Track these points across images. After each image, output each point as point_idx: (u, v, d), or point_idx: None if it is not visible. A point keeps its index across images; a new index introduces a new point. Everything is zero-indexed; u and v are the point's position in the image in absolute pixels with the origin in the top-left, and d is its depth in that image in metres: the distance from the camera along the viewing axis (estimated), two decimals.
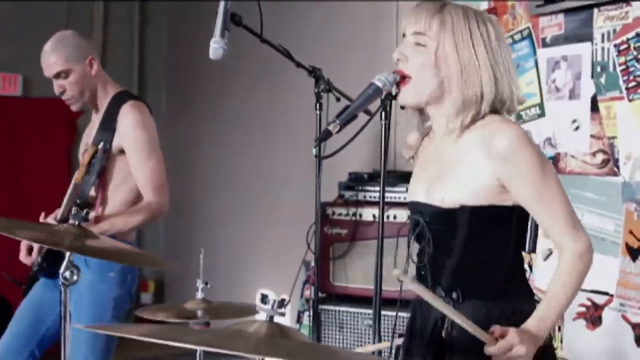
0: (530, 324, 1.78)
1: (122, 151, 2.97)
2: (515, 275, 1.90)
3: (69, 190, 2.87)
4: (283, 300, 1.45)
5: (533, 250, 1.92)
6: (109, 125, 2.98)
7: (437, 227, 1.88)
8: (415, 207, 1.95)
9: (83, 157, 2.91)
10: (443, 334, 1.85)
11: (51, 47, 2.99)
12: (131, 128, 2.95)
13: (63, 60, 2.97)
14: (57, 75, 2.98)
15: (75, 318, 2.61)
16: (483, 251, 1.85)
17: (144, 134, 2.97)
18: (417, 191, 1.94)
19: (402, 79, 1.88)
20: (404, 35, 1.90)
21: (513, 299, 1.85)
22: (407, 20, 1.88)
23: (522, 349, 1.71)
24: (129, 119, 2.96)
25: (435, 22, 1.82)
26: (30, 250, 3.05)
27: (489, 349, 1.72)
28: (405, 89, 1.88)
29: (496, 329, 1.74)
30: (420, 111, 1.97)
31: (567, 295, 1.83)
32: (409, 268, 1.97)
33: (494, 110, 1.86)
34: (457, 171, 1.84)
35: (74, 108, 3.10)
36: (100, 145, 2.79)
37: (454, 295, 1.85)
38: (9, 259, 3.15)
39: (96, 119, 3.09)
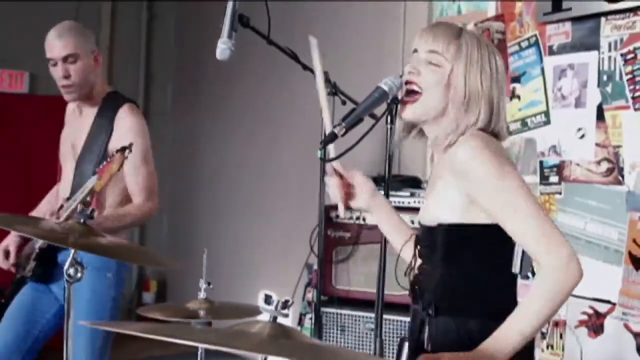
0: (484, 344, 1.71)
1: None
2: (493, 294, 1.86)
3: (83, 194, 2.77)
4: (287, 301, 1.45)
5: (523, 273, 1.84)
6: (104, 126, 2.98)
7: (424, 243, 1.95)
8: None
9: (109, 165, 2.71)
10: (425, 340, 1.87)
11: (61, 31, 2.95)
12: (130, 132, 2.94)
13: (73, 45, 2.93)
14: (65, 59, 2.93)
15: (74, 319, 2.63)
16: (459, 269, 1.86)
17: (141, 140, 2.97)
18: (422, 206, 2.03)
19: (410, 93, 1.90)
20: (415, 51, 1.92)
21: (487, 318, 1.80)
22: (424, 39, 1.91)
23: None
24: (128, 122, 2.97)
25: (452, 46, 1.86)
26: (7, 255, 3.06)
27: None
28: (412, 104, 1.90)
29: (422, 356, 1.72)
30: (414, 126, 1.99)
31: (532, 315, 1.72)
32: (411, 276, 2.03)
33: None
34: (436, 189, 1.89)
35: (69, 97, 3.02)
36: (127, 153, 2.69)
37: (430, 310, 1.87)
38: None
39: (86, 115, 3.06)
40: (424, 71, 1.88)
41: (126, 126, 2.97)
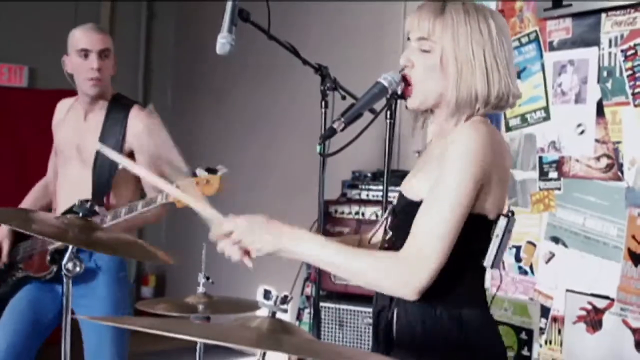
0: (289, 227, 1.73)
1: (130, 154, 2.97)
2: (461, 284, 1.77)
3: (145, 208, 2.78)
4: (286, 296, 1.45)
5: (493, 266, 1.77)
6: (116, 127, 2.98)
7: (400, 216, 1.85)
8: (398, 197, 1.93)
9: (203, 187, 2.69)
10: (393, 328, 1.80)
11: (97, 26, 3.05)
12: (145, 133, 2.97)
13: (109, 41, 3.03)
14: (101, 52, 2.97)
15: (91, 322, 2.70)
16: None
17: (163, 132, 2.99)
18: (403, 182, 1.94)
19: (407, 86, 1.87)
20: (409, 39, 1.90)
21: (453, 307, 1.75)
22: (411, 24, 1.86)
23: (242, 221, 1.73)
24: (142, 124, 2.98)
25: (437, 26, 1.80)
26: None
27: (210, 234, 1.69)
28: (412, 94, 1.88)
29: (230, 217, 1.71)
30: (424, 112, 1.96)
31: (340, 257, 1.68)
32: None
33: (493, 106, 1.82)
34: (428, 167, 1.82)
35: (94, 91, 2.99)
36: (219, 173, 2.69)
37: None
38: None
39: (92, 117, 3.04)
40: (416, 61, 1.85)
41: (141, 128, 2.97)
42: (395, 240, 1.85)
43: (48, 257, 2.98)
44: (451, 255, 1.68)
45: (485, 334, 1.80)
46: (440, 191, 1.68)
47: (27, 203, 3.26)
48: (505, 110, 1.89)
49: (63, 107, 3.20)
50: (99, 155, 2.96)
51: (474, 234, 1.74)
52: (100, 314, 2.90)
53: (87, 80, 2.96)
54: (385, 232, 1.93)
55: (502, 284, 1.96)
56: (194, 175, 2.66)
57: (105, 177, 2.96)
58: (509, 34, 1.88)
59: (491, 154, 1.71)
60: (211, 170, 2.66)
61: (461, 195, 1.67)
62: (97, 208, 2.28)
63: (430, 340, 1.74)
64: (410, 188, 1.84)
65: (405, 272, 1.64)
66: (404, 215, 1.83)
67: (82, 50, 2.95)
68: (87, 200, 2.24)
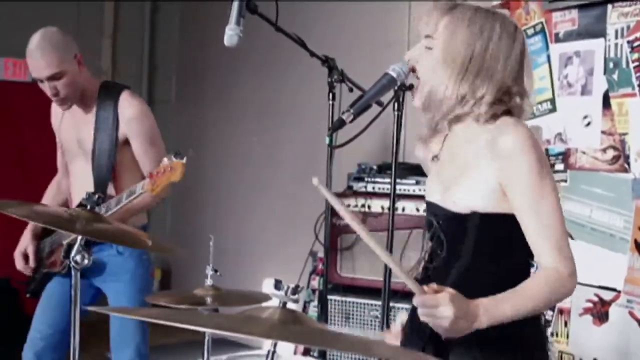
0: (478, 301, 1.67)
1: (126, 141, 2.99)
2: (515, 280, 1.79)
3: (130, 199, 2.75)
4: (297, 286, 1.45)
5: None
6: (108, 117, 2.97)
7: (448, 230, 1.87)
8: (430, 208, 1.94)
9: (168, 174, 2.63)
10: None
11: (41, 47, 2.85)
12: (137, 117, 2.97)
13: (57, 62, 2.85)
14: (51, 78, 2.86)
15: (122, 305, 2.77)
16: (490, 258, 1.82)
17: (148, 122, 3.00)
18: (434, 191, 1.93)
19: (412, 87, 1.88)
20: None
21: None
22: (421, 22, 1.87)
23: (448, 310, 1.59)
24: (132, 109, 2.97)
25: (441, 24, 1.82)
26: (26, 259, 3.13)
27: (415, 299, 1.63)
28: (416, 92, 1.88)
29: (433, 285, 1.66)
30: (444, 118, 1.95)
31: (534, 300, 1.72)
32: (419, 267, 1.97)
33: (507, 111, 1.84)
34: (469, 175, 1.82)
35: (64, 108, 3.01)
36: (185, 160, 2.60)
37: None
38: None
39: (85, 113, 3.04)
40: (421, 59, 1.86)
41: (132, 113, 2.97)
42: (443, 253, 1.87)
43: (62, 253, 3.01)
44: (511, 257, 1.79)
45: (535, 328, 1.86)
46: (538, 204, 1.75)
47: (44, 202, 3.28)
48: (526, 117, 1.90)
49: (57, 107, 3.18)
50: (96, 145, 2.98)
51: (523, 237, 1.79)
52: (127, 295, 2.99)
53: (53, 100, 2.98)
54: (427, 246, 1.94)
55: None
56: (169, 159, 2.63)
57: (104, 166, 2.97)
58: (522, 40, 1.87)
59: (541, 150, 1.79)
60: (178, 155, 2.63)
61: (555, 196, 1.78)
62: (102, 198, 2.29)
63: (491, 343, 1.75)
64: (455, 202, 1.83)
65: (572, 280, 1.74)
66: (452, 228, 1.85)
67: (34, 77, 2.91)
68: (94, 193, 2.25)
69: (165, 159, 2.63)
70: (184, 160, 2.59)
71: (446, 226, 1.87)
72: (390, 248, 2.42)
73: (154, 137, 3.01)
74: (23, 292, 3.32)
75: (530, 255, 1.81)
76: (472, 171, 1.81)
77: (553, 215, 1.76)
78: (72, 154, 3.13)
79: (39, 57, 2.84)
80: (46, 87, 2.90)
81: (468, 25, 1.81)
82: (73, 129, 3.09)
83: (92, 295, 3.09)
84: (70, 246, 2.93)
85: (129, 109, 2.97)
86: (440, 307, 1.60)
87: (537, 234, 1.75)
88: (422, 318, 1.63)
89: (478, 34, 1.80)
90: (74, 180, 3.14)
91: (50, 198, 3.31)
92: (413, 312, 1.95)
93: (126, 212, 2.88)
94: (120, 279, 3.02)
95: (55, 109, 3.20)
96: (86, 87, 3.00)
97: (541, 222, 1.74)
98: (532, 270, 1.86)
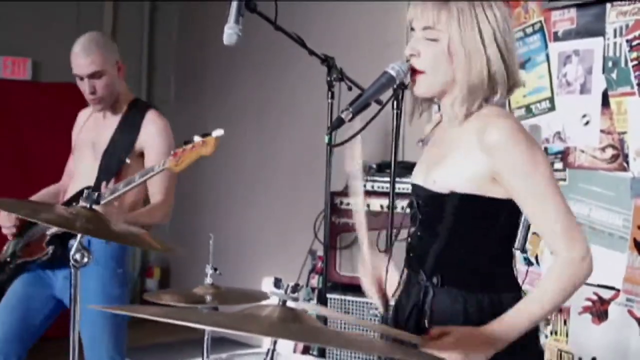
0: (494, 324, 1.73)
1: (140, 154, 3.04)
2: (498, 268, 1.86)
3: (145, 177, 2.73)
4: (297, 285, 1.45)
5: (522, 250, 1.87)
6: (130, 129, 3.05)
7: (427, 210, 1.89)
8: (414, 189, 1.97)
9: (197, 148, 2.64)
10: (427, 309, 1.85)
11: (86, 47, 2.97)
12: (157, 134, 3.05)
13: (100, 62, 2.97)
14: (92, 75, 2.97)
15: (86, 315, 2.66)
16: (468, 239, 1.84)
17: (168, 141, 3.06)
18: (418, 174, 1.96)
19: (414, 72, 1.88)
20: (412, 29, 1.90)
21: (493, 291, 1.82)
22: (414, 14, 1.88)
23: (453, 356, 1.67)
24: (156, 126, 3.06)
25: (443, 14, 1.82)
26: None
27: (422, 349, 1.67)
28: (419, 81, 1.88)
29: (434, 329, 1.71)
30: (431, 100, 1.97)
31: (546, 303, 1.75)
32: (392, 249, 2.02)
33: (508, 90, 1.86)
34: (452, 156, 1.84)
35: (97, 109, 3.09)
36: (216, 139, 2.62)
37: (434, 279, 1.85)
38: None
39: (110, 119, 3.11)
40: (422, 50, 1.86)
41: (154, 129, 3.05)
42: (422, 232, 1.90)
43: (46, 240, 2.99)
44: (489, 239, 1.80)
45: None
46: (537, 191, 1.75)
47: (35, 198, 3.27)
48: (509, 95, 1.92)
49: (84, 115, 3.27)
50: (110, 145, 3.04)
51: (507, 219, 1.82)
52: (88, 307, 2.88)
53: (88, 100, 3.06)
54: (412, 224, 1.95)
55: (526, 277, 2.03)
56: (188, 142, 2.64)
57: (112, 165, 3.00)
58: (512, 23, 1.91)
59: (529, 137, 1.80)
60: (206, 135, 2.66)
61: (553, 182, 1.78)
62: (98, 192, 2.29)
63: (471, 324, 1.77)
64: (435, 181, 1.86)
65: (578, 269, 1.75)
66: (431, 208, 1.87)
67: (76, 74, 3.00)
68: (92, 190, 2.25)
69: (195, 137, 2.65)
70: (219, 134, 2.61)
71: (425, 206, 1.90)
72: (390, 247, 2.42)
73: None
74: None
75: (510, 239, 1.84)
76: (456, 153, 1.84)
77: (555, 203, 1.76)
78: (82, 154, 3.17)
79: (83, 56, 2.96)
80: (85, 85, 2.99)
81: (471, 16, 1.82)
82: (92, 131, 3.16)
83: (50, 309, 3.05)
84: (56, 236, 2.96)
85: (153, 125, 3.06)
86: (446, 355, 1.65)
87: (545, 225, 1.77)
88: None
89: (486, 24, 1.82)
90: (77, 175, 3.16)
91: (41, 195, 3.29)
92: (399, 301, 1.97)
93: (131, 220, 2.87)
94: (88, 286, 2.81)
95: (80, 117, 3.27)
96: (120, 95, 3.09)
97: (547, 213, 1.76)
98: (514, 262, 1.88)
